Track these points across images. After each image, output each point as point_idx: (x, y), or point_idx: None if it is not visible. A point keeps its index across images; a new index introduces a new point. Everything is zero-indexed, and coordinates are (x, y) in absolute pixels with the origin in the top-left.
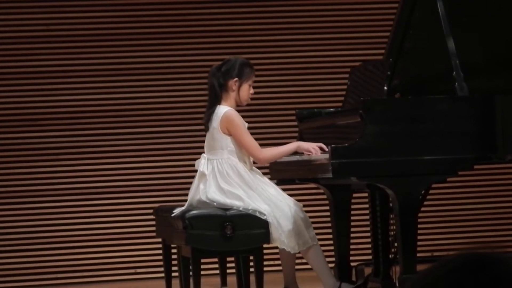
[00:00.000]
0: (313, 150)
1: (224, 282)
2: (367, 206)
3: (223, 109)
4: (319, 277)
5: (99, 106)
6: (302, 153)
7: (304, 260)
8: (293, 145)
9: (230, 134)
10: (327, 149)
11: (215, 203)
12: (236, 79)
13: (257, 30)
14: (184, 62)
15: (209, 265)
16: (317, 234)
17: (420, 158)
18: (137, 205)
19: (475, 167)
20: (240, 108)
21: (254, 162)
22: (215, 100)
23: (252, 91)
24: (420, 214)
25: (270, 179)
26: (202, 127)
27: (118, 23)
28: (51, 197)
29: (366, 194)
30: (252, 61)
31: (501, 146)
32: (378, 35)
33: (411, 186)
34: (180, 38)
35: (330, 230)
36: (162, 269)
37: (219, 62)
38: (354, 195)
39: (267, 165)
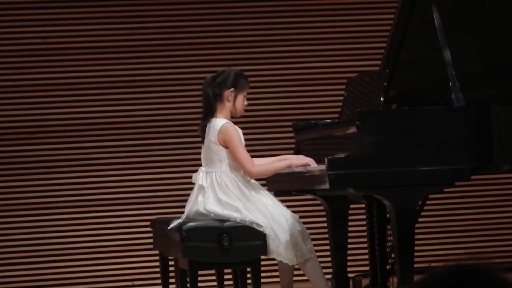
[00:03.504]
0: (306, 163)
1: None
2: (364, 217)
3: (220, 122)
4: None
5: (96, 118)
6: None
7: (301, 272)
8: (285, 163)
9: (226, 147)
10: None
11: (212, 214)
12: (232, 89)
13: (253, 42)
14: (181, 74)
15: (207, 277)
16: (314, 245)
17: (417, 169)
18: (134, 217)
19: (472, 177)
20: (237, 120)
21: None
22: (209, 111)
23: (246, 102)
24: (417, 225)
25: (267, 190)
26: (200, 139)
27: (115, 35)
28: (48, 209)
29: (363, 205)
30: (249, 73)
31: (498, 156)
32: (374, 46)
33: (408, 197)
34: (177, 50)
35: (327, 241)
36: (159, 281)
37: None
38: (351, 206)
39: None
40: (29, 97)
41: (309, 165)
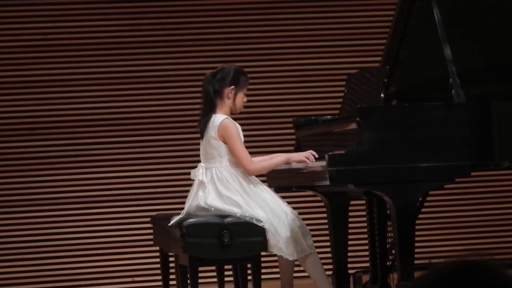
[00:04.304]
0: (306, 158)
1: None
2: (364, 213)
3: (220, 118)
4: (316, 286)
5: (96, 115)
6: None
7: (301, 268)
8: (283, 158)
9: (226, 142)
10: (317, 156)
11: (213, 209)
12: (232, 87)
13: (254, 38)
14: (181, 70)
15: (207, 273)
16: (314, 241)
17: (417, 165)
18: (134, 213)
19: (472, 173)
20: (237, 116)
21: None
22: (210, 108)
23: (245, 99)
24: (417, 221)
25: (268, 186)
26: (199, 135)
27: (116, 32)
28: (48, 206)
29: (363, 201)
30: (249, 69)
31: (498, 152)
32: (374, 43)
33: (408, 193)
34: (177, 46)
35: (327, 238)
36: (159, 277)
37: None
38: (352, 202)
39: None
40: (30, 93)
41: (308, 159)
